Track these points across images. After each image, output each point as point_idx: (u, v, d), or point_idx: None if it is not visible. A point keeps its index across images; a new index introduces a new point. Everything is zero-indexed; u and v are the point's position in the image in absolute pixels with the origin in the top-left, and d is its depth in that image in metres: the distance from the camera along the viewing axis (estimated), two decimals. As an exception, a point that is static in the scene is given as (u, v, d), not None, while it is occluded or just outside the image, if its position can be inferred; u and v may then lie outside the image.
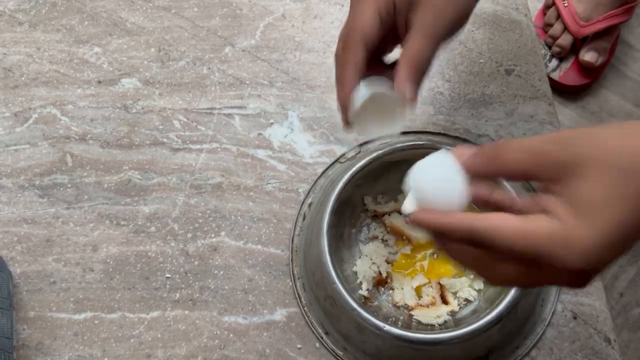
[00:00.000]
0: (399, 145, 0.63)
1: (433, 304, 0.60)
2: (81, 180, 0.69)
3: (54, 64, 0.75)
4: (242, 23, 0.76)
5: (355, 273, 0.62)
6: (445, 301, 0.60)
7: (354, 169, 0.62)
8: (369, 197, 0.65)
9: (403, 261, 0.62)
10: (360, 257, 0.63)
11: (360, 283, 0.61)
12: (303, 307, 0.62)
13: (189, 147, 0.70)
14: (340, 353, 0.60)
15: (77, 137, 0.71)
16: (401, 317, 0.60)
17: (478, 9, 0.74)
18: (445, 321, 0.59)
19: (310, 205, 0.66)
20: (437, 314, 0.59)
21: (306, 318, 0.62)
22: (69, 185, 0.69)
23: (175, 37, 0.76)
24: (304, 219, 0.66)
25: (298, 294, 0.63)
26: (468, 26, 0.73)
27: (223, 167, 0.69)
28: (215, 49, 0.75)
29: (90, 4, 0.78)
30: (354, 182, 0.62)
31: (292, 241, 0.65)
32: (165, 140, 0.70)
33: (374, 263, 0.62)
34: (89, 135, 0.71)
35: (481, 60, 0.72)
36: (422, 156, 0.63)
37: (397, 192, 0.65)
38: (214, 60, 0.74)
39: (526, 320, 0.60)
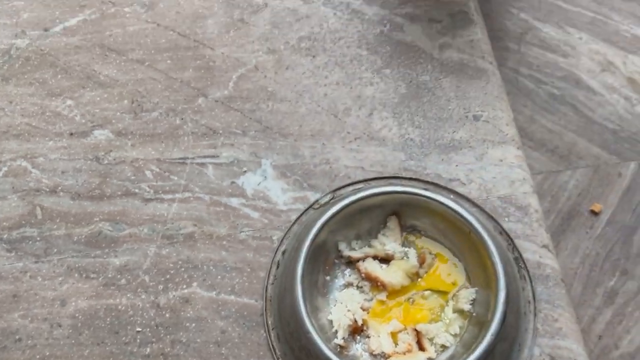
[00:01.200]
0: (372, 191, 0.64)
1: (410, 351, 0.59)
2: (51, 233, 0.68)
3: (26, 117, 0.75)
4: (216, 74, 0.77)
5: (331, 322, 0.61)
6: (421, 348, 0.59)
7: (327, 214, 0.62)
8: (344, 242, 0.65)
9: (378, 308, 0.62)
10: (335, 305, 0.62)
11: (336, 332, 0.60)
12: (278, 358, 0.61)
13: (161, 197, 0.70)
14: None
15: (47, 190, 0.70)
16: (379, 366, 0.59)
17: (445, 57, 0.77)
18: (423, 367, 0.58)
19: (284, 252, 0.66)
20: (414, 361, 0.58)
21: (281, 370, 0.60)
22: (38, 239, 0.67)
23: (149, 89, 0.76)
24: (277, 267, 0.65)
25: (272, 345, 0.61)
26: (435, 74, 0.75)
27: (195, 216, 0.68)
28: (188, 99, 0.75)
29: (63, 57, 0.79)
30: (327, 228, 0.62)
31: (266, 290, 0.64)
32: (137, 190, 0.70)
33: (349, 310, 0.61)
34: (59, 188, 0.70)
35: (450, 107, 0.73)
36: (395, 201, 0.64)
37: (371, 237, 0.65)
38: (187, 110, 0.75)
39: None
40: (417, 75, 0.75)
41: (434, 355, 0.59)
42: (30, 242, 0.67)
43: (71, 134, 0.74)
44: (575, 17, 1.01)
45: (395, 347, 0.59)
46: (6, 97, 0.76)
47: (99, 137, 0.73)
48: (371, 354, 0.60)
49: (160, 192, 0.70)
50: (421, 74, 0.75)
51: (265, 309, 0.63)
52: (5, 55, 0.79)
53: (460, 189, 0.68)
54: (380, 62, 0.77)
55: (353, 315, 0.61)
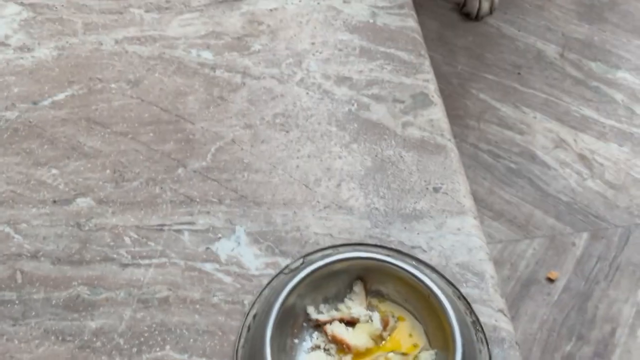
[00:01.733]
0: (338, 257, 0.68)
1: None
2: (29, 297, 0.70)
3: (11, 185, 0.79)
4: (195, 147, 0.82)
5: None
6: None
7: (296, 279, 0.66)
8: (312, 306, 0.68)
9: None
10: None
11: None
12: (246, 420, 0.63)
13: (138, 262, 0.73)
14: None
15: (28, 255, 0.73)
16: None
17: (407, 134, 0.83)
18: None
19: (254, 316, 0.69)
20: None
21: None
22: (17, 302, 0.70)
23: (131, 159, 0.81)
24: (248, 330, 0.68)
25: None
26: (398, 149, 0.82)
27: (170, 280, 0.71)
28: (168, 170, 0.80)
29: (50, 129, 0.84)
30: (296, 292, 0.66)
31: (237, 353, 0.67)
32: (115, 256, 0.73)
33: None
34: (40, 253, 0.73)
35: (412, 179, 0.79)
36: (360, 267, 0.69)
37: (338, 301, 0.68)
38: (166, 180, 0.79)
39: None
40: (382, 150, 0.81)
41: None
42: (9, 306, 0.69)
43: (54, 201, 0.77)
44: (530, 98, 1.10)
45: (360, 407, 0.62)
46: (-7, 166, 0.80)
47: (81, 204, 0.77)
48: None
49: (138, 257, 0.73)
50: (385, 149, 0.81)
51: (235, 371, 0.65)
52: (-5, 126, 0.84)
53: (421, 256, 0.72)
54: (348, 137, 0.83)
55: None
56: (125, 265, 0.72)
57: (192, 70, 0.90)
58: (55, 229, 0.75)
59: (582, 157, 1.02)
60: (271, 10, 0.96)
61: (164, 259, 0.73)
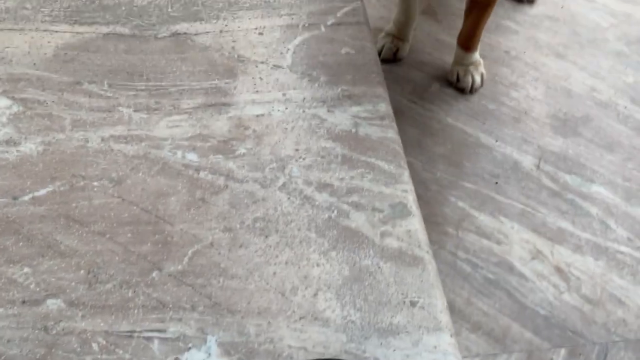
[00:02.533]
0: None
1: None
2: (-15, 406, 0.67)
3: (-19, 283, 0.77)
4: (172, 249, 0.82)
5: None
6: None
7: None
8: None
9: None
10: None
11: None
12: None
13: (104, 371, 0.70)
14: None
15: (-11, 359, 0.70)
16: None
17: (386, 244, 0.84)
18: None
19: None
20: None
21: None
22: (-29, 411, 0.66)
23: (106, 260, 0.80)
24: None
25: None
26: (376, 259, 0.82)
27: (136, 393, 0.69)
28: (143, 272, 0.79)
29: (28, 226, 0.83)
30: None
31: None
32: (81, 363, 0.71)
33: None
34: (2, 357, 0.70)
35: (389, 292, 0.79)
36: None
37: None
38: (140, 284, 0.78)
39: None
40: (360, 259, 0.82)
41: None
42: (-38, 415, 0.66)
43: (23, 302, 0.76)
44: (507, 208, 1.12)
45: None
46: (-36, 262, 0.79)
47: (51, 306, 0.75)
48: None
49: (104, 365, 0.71)
50: (364, 258, 0.82)
51: None
52: (-29, 220, 0.83)
53: (396, 374, 0.71)
54: (327, 244, 0.83)
55: None
56: (90, 374, 0.70)
57: (176, 171, 0.91)
58: (21, 332, 0.73)
59: (558, 270, 1.03)
60: (258, 116, 0.99)
61: (131, 369, 0.71)
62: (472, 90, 1.46)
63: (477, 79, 1.47)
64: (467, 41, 1.42)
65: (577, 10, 1.57)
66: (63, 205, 0.86)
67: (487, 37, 1.55)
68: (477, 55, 1.50)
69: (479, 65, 1.51)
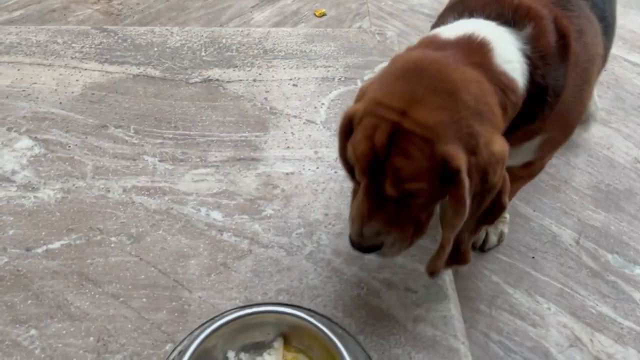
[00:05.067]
0: (264, 308, 0.72)
1: None
2: None
3: (-17, 344, 0.72)
4: (188, 319, 0.76)
5: None
6: None
7: (219, 322, 0.69)
8: (232, 352, 0.69)
9: None
10: None
11: None
12: None
13: None
14: None
15: None
16: None
17: (419, 331, 0.77)
18: None
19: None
20: None
21: None
22: None
23: (118, 327, 0.75)
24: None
25: None
26: (408, 348, 0.75)
27: None
28: (156, 345, 0.73)
29: (39, 281, 0.78)
30: (219, 334, 0.68)
31: None
32: None
33: None
34: None
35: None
36: (285, 323, 0.70)
37: (257, 354, 0.69)
38: (152, 357, 0.72)
39: None
40: (390, 347, 0.75)
41: None
42: None
43: (26, 369, 0.70)
44: (544, 287, 1.05)
45: None
46: (-32, 318, 0.74)
47: (55, 376, 0.70)
48: None
49: None
50: (394, 346, 0.75)
51: None
52: (-20, 272, 0.78)
53: None
54: (355, 326, 0.77)
55: None
56: None
57: (199, 231, 0.86)
58: (21, 405, 0.67)
59: (598, 361, 0.96)
60: (287, 174, 0.94)
61: None
62: (483, 248, 1.09)
63: (493, 238, 1.09)
64: None
65: (622, 74, 1.51)
66: (77, 261, 0.81)
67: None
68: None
69: (501, 223, 1.11)
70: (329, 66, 1.14)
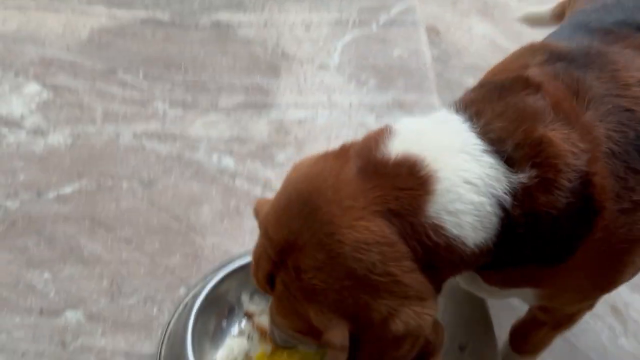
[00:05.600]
0: None
1: None
2: None
3: (-2, 286, 0.72)
4: (202, 264, 0.76)
5: None
6: None
7: (232, 266, 0.68)
8: (246, 295, 0.68)
9: (262, 358, 0.64)
10: (222, 348, 0.65)
11: None
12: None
13: (122, 397, 0.65)
14: None
15: (1, 373, 0.65)
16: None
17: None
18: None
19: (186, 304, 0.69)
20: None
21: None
22: None
23: (131, 271, 0.74)
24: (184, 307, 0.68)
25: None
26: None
27: None
28: (169, 288, 0.73)
29: (51, 226, 0.78)
30: (232, 278, 0.67)
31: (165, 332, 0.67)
32: (97, 387, 0.65)
33: (233, 353, 0.64)
34: (15, 373, 0.66)
35: (435, 332, 0.71)
36: None
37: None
38: (166, 300, 0.72)
39: None
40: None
41: None
42: None
43: (41, 311, 0.70)
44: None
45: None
46: (-18, 262, 0.74)
47: (70, 318, 0.70)
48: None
49: (123, 391, 0.65)
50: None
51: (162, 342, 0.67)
52: (-8, 216, 0.78)
53: None
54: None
55: (235, 357, 0.64)
56: (107, 400, 0.65)
57: (211, 177, 0.84)
58: (37, 345, 0.68)
59: (615, 310, 0.95)
60: (300, 120, 0.92)
61: (151, 397, 0.65)
62: None
63: None
64: (525, 341, 0.80)
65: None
66: (89, 207, 0.80)
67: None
68: None
69: None
70: (343, 9, 1.10)
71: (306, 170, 0.52)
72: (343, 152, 0.52)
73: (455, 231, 0.48)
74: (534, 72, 0.53)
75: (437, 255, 0.48)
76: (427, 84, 0.99)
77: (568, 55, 0.54)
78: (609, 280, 0.59)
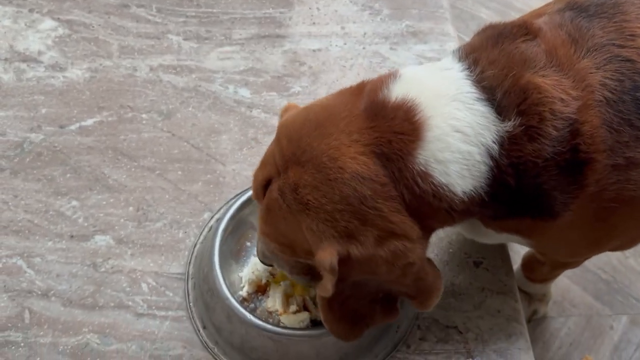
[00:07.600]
0: None
1: (299, 311, 0.66)
2: (36, 340, 0.66)
3: (29, 214, 0.75)
4: (224, 191, 0.78)
5: (241, 278, 0.69)
6: (307, 309, 0.66)
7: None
8: None
9: (282, 276, 0.67)
10: (247, 266, 0.69)
11: (243, 286, 0.68)
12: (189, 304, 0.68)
13: (154, 312, 0.68)
14: (213, 347, 0.66)
15: (39, 292, 0.69)
16: (270, 321, 0.65)
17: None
18: (307, 325, 0.65)
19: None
20: (301, 319, 0.65)
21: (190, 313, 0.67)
22: (22, 345, 0.65)
23: (156, 197, 0.77)
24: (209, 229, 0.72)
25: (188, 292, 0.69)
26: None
27: (186, 338, 0.67)
28: (194, 213, 0.76)
29: (75, 157, 0.80)
30: (254, 203, 0.67)
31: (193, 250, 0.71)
32: (130, 303, 0.69)
33: (258, 270, 0.68)
34: (52, 292, 0.69)
35: (451, 250, 0.74)
36: None
37: None
38: (191, 224, 0.75)
39: (378, 338, 0.66)
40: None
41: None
42: (14, 348, 0.65)
43: (72, 236, 0.73)
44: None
45: (288, 307, 0.66)
46: (12, 191, 0.76)
47: (99, 242, 0.73)
48: (267, 311, 0.66)
49: (154, 307, 0.69)
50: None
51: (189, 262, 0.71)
52: (18, 148, 0.80)
53: (457, 337, 0.67)
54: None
55: (260, 274, 0.67)
56: (140, 315, 0.68)
57: (228, 108, 0.86)
58: (70, 267, 0.71)
59: (625, 233, 0.97)
60: (314, 50, 0.92)
61: (181, 312, 0.69)
62: (530, 320, 0.92)
63: (542, 310, 0.92)
64: (533, 272, 0.85)
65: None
66: (111, 137, 0.82)
67: None
68: (547, 288, 0.90)
69: (547, 300, 0.92)
70: (354, -62, 1.08)
71: (326, 100, 0.56)
72: (359, 89, 0.54)
73: (442, 179, 0.49)
74: (540, 20, 0.53)
75: (425, 202, 0.50)
76: (440, 12, 0.99)
77: (583, 4, 0.54)
78: (597, 242, 0.59)
